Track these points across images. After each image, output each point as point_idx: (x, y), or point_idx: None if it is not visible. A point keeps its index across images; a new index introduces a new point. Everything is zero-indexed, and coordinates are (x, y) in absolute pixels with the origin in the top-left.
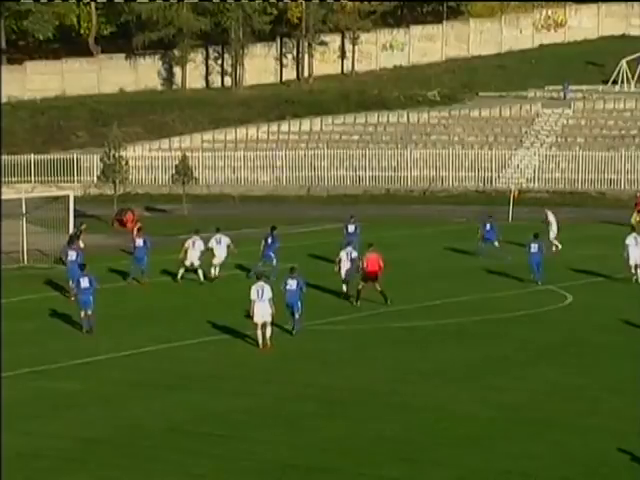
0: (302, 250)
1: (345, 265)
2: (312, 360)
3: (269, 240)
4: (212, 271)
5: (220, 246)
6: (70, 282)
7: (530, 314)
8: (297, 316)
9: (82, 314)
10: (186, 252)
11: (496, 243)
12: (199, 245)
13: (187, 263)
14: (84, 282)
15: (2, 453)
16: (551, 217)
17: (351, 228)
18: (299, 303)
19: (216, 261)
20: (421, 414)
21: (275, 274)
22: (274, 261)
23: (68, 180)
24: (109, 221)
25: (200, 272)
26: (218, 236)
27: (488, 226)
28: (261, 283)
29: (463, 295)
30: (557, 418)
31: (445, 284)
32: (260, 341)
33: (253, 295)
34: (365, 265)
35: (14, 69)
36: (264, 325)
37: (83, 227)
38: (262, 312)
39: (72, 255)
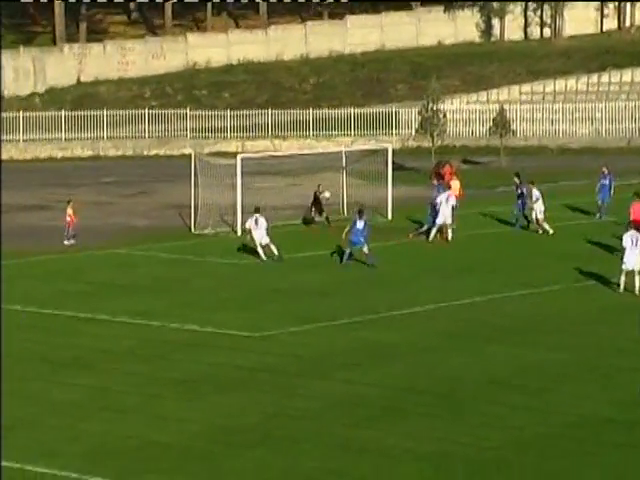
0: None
1: None
2: (634, 313)
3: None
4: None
5: None
6: None
7: None
8: None
9: (365, 251)
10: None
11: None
12: (537, 196)
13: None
14: (360, 224)
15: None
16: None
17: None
18: None
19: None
20: None
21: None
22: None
23: (387, 133)
24: (427, 173)
25: (546, 225)
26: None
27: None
28: (634, 232)
29: None
30: None
31: None
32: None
33: (626, 243)
34: (631, 214)
35: (335, 23)
36: (632, 273)
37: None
38: (634, 260)
39: None
